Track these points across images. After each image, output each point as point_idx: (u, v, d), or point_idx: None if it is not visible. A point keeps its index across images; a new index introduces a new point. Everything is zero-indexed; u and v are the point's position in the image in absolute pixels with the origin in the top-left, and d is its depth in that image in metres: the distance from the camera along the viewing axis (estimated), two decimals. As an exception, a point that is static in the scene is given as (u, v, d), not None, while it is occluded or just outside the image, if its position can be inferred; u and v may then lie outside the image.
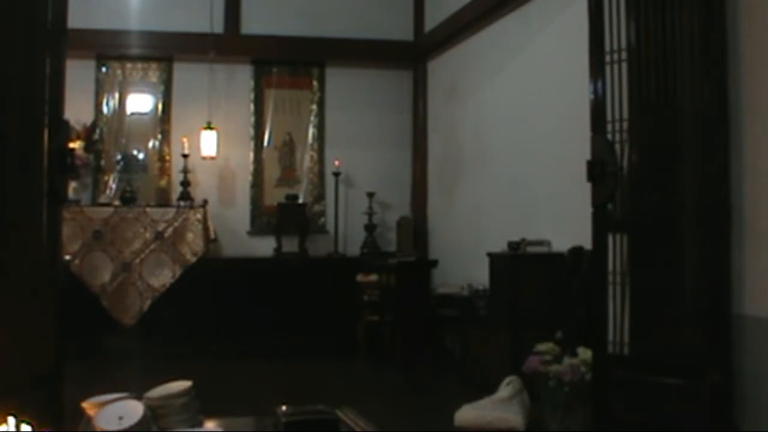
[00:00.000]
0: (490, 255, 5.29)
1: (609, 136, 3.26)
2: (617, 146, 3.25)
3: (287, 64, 7.74)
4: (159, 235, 6.69)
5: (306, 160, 7.73)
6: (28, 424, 1.79)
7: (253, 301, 6.77)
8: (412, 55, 7.78)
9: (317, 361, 6.36)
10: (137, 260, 6.63)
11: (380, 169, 7.74)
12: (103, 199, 7.07)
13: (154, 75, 7.51)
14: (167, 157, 7.43)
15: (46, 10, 2.88)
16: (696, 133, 3.11)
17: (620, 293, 3.26)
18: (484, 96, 6.45)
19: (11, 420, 1.76)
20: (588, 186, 3.29)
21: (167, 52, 7.45)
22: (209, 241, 6.84)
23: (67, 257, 6.30)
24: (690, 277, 3.10)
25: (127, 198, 6.95)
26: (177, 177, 7.25)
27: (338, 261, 7.35)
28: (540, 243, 5.13)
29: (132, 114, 7.46)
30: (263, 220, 7.59)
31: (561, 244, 4.82)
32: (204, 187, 7.37)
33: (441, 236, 7.37)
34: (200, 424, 2.25)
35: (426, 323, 6.46)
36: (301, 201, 7.53)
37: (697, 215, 3.10)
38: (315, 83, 7.80)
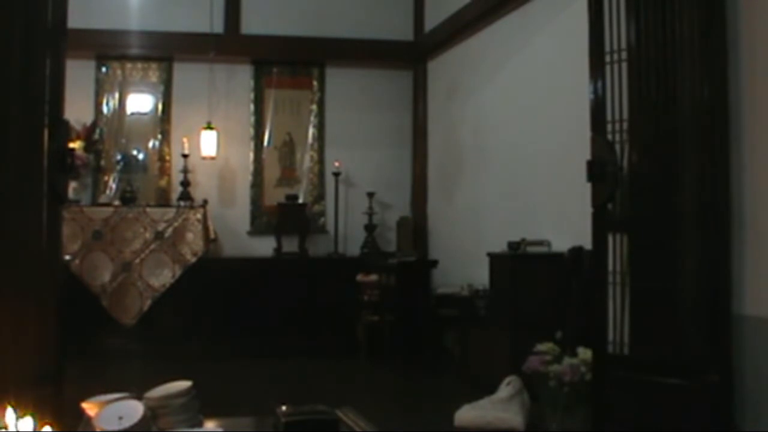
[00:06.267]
0: (490, 255, 5.29)
1: (609, 136, 3.26)
2: (617, 146, 3.25)
3: (287, 64, 7.74)
4: (159, 235, 6.69)
5: (306, 160, 7.73)
6: (32, 416, 1.79)
7: (252, 301, 6.77)
8: (412, 55, 7.78)
9: (317, 361, 6.36)
10: (137, 260, 6.63)
11: (380, 169, 7.74)
12: (103, 199, 7.08)
13: (154, 75, 7.51)
14: (167, 157, 7.42)
15: (46, 10, 2.88)
16: (696, 133, 3.10)
17: (620, 293, 3.25)
18: (484, 96, 6.45)
19: (10, 412, 1.76)
20: (588, 186, 3.29)
21: (167, 52, 7.45)
22: (209, 241, 6.84)
23: (67, 257, 6.30)
24: (690, 277, 3.10)
25: (127, 198, 6.95)
26: (177, 177, 7.25)
27: (338, 261, 7.35)
28: (540, 243, 5.13)
29: (132, 114, 7.46)
30: (263, 220, 7.59)
31: (561, 244, 4.82)
32: (204, 187, 7.36)
33: (441, 236, 7.36)
34: (200, 424, 2.25)
35: (426, 323, 6.46)
36: (301, 201, 7.53)
37: (697, 215, 3.10)
38: (315, 83, 7.80)
